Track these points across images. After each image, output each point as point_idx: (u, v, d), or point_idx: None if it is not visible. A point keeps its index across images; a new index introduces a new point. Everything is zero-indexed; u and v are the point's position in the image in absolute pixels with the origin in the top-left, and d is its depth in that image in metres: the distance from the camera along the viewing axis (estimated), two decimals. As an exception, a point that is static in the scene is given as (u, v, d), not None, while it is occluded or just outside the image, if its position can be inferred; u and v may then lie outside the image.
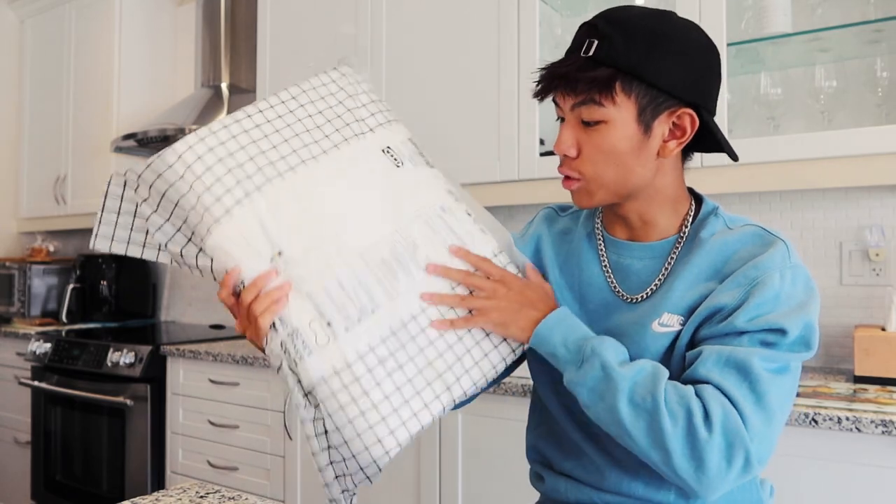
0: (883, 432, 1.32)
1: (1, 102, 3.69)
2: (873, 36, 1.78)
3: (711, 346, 0.83)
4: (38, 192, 3.52)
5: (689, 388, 0.81)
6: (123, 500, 1.20)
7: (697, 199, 0.99)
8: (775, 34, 1.81)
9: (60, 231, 3.71)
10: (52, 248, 3.67)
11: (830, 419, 1.37)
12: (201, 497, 0.98)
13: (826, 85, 1.90)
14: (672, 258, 0.93)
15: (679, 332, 0.89)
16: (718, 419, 0.77)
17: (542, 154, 2.07)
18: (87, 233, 3.76)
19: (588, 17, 0.88)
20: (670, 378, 0.87)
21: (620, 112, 0.86)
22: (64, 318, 3.28)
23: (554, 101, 0.91)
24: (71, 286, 3.33)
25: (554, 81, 0.88)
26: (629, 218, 0.96)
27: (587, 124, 0.88)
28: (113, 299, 3.34)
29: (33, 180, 3.55)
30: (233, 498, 0.98)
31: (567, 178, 0.93)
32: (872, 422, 1.33)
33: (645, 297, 0.93)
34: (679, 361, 0.88)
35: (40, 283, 3.42)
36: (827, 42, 1.82)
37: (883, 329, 1.71)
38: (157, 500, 0.96)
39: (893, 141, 1.60)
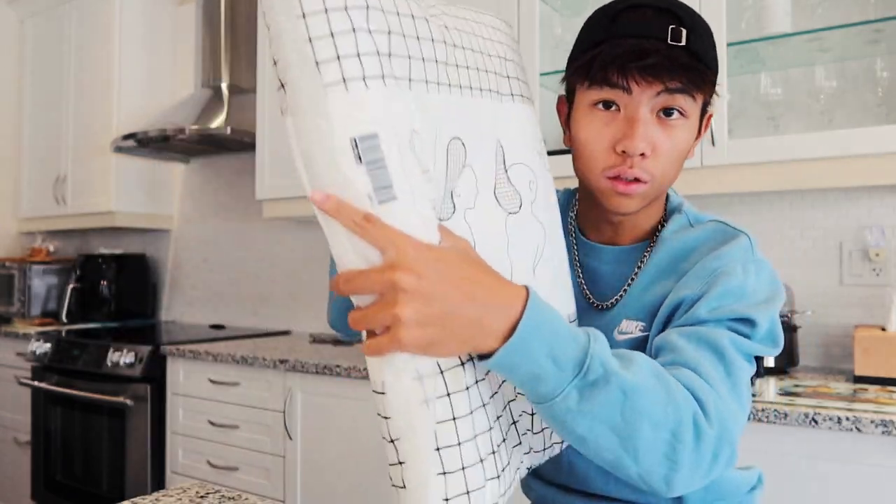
0: (883, 432, 1.32)
1: (1, 102, 3.69)
2: (873, 36, 1.78)
3: (677, 330, 0.76)
4: (38, 192, 3.52)
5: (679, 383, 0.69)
6: (123, 500, 1.20)
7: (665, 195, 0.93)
8: (775, 34, 1.81)
9: (60, 231, 3.71)
10: (52, 248, 3.67)
11: (830, 419, 1.37)
12: (201, 497, 0.98)
13: (826, 85, 1.90)
14: (641, 263, 0.88)
15: (640, 339, 0.83)
16: (714, 409, 0.67)
17: (542, 154, 2.07)
18: (87, 233, 3.77)
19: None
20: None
21: (694, 108, 0.81)
22: (64, 318, 3.28)
23: (613, 82, 0.78)
24: (71, 286, 3.33)
25: (661, 63, 0.76)
26: (621, 224, 0.89)
27: (668, 115, 0.79)
28: (113, 299, 3.34)
29: (33, 180, 3.55)
30: (233, 498, 0.98)
31: (627, 180, 0.80)
32: (872, 422, 1.33)
33: (612, 304, 0.88)
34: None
35: (40, 283, 3.42)
36: (827, 42, 1.82)
37: (883, 329, 1.71)
38: (157, 500, 0.96)
39: (893, 141, 1.60)
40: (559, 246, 0.83)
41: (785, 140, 1.73)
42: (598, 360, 0.62)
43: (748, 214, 2.03)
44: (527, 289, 0.61)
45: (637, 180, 0.80)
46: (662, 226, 0.89)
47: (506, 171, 0.76)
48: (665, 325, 0.81)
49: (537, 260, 0.77)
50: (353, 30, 0.59)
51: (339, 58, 0.58)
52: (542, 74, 2.05)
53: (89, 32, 3.29)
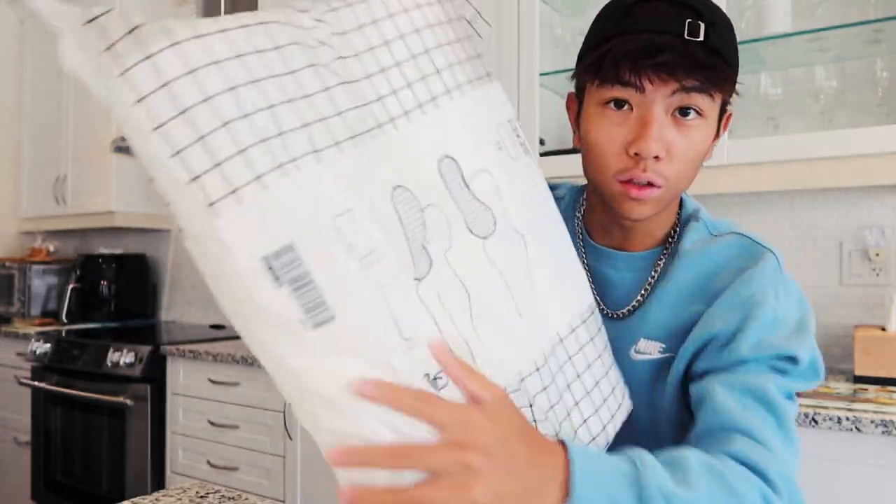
0: (883, 432, 1.32)
1: (1, 102, 3.69)
2: (873, 36, 1.78)
3: (720, 380, 0.73)
4: (38, 192, 3.52)
5: (735, 462, 0.67)
6: (123, 500, 1.20)
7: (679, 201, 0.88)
8: (775, 34, 1.81)
9: (60, 231, 3.71)
10: (52, 248, 3.67)
11: (830, 419, 1.37)
12: (201, 497, 0.98)
13: (826, 85, 1.90)
14: (655, 272, 0.83)
15: (659, 361, 0.80)
16: (776, 475, 0.66)
17: (542, 154, 2.07)
18: (87, 233, 3.76)
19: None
20: (666, 411, 0.80)
21: (712, 108, 0.75)
22: (64, 318, 3.28)
23: (625, 80, 0.73)
24: (71, 286, 3.33)
25: (676, 60, 0.70)
26: (632, 229, 0.83)
27: (684, 115, 0.73)
28: (113, 299, 3.34)
29: (33, 180, 3.55)
30: (233, 498, 0.98)
31: (640, 184, 0.74)
32: (872, 422, 1.33)
33: (624, 314, 0.83)
34: (673, 395, 0.79)
35: (40, 283, 3.42)
36: (827, 42, 1.82)
37: (883, 329, 1.71)
38: (157, 500, 0.96)
39: (893, 141, 1.60)
40: (553, 239, 0.75)
41: (785, 140, 1.73)
42: (656, 489, 0.58)
43: (748, 214, 2.04)
44: (563, 443, 0.58)
45: (650, 184, 0.74)
46: (675, 231, 0.84)
47: (468, 188, 0.65)
48: (694, 357, 0.77)
49: (530, 269, 0.70)
50: (226, 123, 0.47)
51: (218, 165, 0.46)
52: (541, 74, 2.05)
53: (89, 32, 3.29)
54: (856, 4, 1.85)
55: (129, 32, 0.46)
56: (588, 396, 0.72)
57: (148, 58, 0.46)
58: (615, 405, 0.75)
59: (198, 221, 0.48)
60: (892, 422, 1.32)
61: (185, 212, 0.48)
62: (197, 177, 0.47)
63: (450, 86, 0.66)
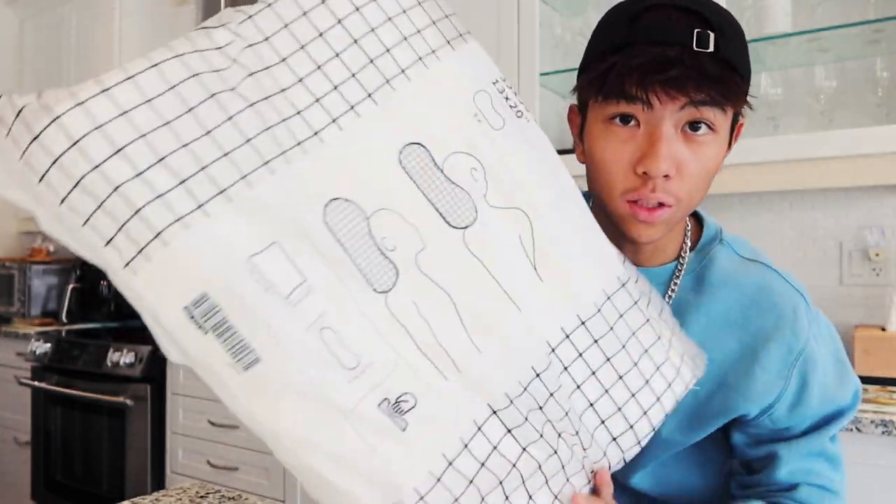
0: (883, 432, 1.32)
1: (1, 102, 3.69)
2: (873, 36, 1.78)
3: (788, 446, 0.79)
4: (38, 192, 3.52)
5: None
6: (123, 500, 1.20)
7: (695, 215, 0.85)
8: (775, 34, 1.81)
9: (60, 231, 3.71)
10: (52, 248, 3.67)
11: (830, 419, 1.37)
12: (201, 497, 0.98)
13: (826, 85, 1.90)
14: (673, 290, 0.80)
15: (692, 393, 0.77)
16: None
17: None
18: (87, 233, 3.76)
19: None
20: (688, 446, 0.81)
21: (724, 121, 0.71)
22: (64, 318, 3.28)
23: (631, 95, 0.68)
24: (71, 286, 3.33)
25: (686, 74, 0.66)
26: (642, 245, 0.78)
27: (694, 130, 0.69)
28: (113, 299, 3.34)
29: (33, 180, 3.55)
30: (233, 498, 0.98)
31: (649, 206, 0.70)
32: (872, 422, 1.33)
33: None
34: (700, 428, 0.79)
35: (40, 283, 3.42)
36: (827, 42, 1.82)
37: (883, 329, 1.71)
38: (157, 500, 0.96)
39: (893, 141, 1.60)
40: (564, 208, 0.67)
41: (785, 140, 1.73)
42: None
43: (748, 214, 2.04)
44: None
45: (661, 205, 0.70)
46: (686, 244, 0.81)
47: (442, 173, 0.57)
48: (755, 413, 0.78)
49: (533, 255, 0.61)
50: (117, 187, 0.47)
51: (122, 227, 0.47)
52: (542, 74, 2.05)
53: (89, 33, 3.29)
54: (856, 4, 1.85)
55: (17, 116, 0.47)
56: (621, 381, 0.67)
57: (35, 138, 0.47)
58: (662, 385, 0.70)
59: (122, 282, 0.49)
60: (892, 422, 1.32)
61: (110, 273, 0.50)
62: (109, 240, 0.48)
63: (405, 63, 0.57)
